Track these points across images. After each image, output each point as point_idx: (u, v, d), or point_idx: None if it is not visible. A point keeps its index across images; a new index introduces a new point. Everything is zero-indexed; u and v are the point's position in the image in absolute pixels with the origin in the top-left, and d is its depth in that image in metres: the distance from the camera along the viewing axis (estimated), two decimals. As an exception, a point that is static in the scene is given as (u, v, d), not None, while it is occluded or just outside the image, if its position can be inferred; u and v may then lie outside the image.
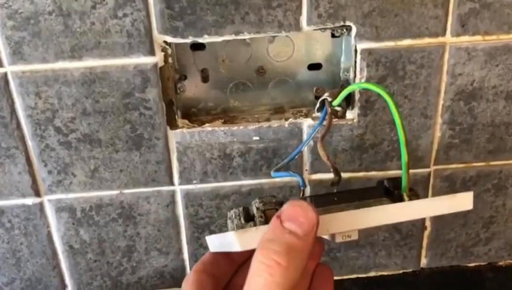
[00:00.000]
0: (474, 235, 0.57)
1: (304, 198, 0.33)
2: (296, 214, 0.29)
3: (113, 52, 0.44)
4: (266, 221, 0.32)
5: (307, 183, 0.52)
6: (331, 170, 0.38)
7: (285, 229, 0.29)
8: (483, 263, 0.59)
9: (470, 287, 0.58)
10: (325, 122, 0.42)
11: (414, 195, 0.36)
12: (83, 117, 0.47)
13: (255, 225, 0.32)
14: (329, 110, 0.42)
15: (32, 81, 0.45)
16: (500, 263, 0.59)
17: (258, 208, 0.32)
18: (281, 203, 0.33)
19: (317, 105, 0.44)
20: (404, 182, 0.35)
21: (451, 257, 0.58)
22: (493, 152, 0.52)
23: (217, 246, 0.36)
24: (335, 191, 0.36)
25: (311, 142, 0.50)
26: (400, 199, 0.35)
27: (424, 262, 0.58)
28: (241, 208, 0.34)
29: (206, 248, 0.52)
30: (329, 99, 0.43)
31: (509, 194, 0.54)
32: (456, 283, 0.58)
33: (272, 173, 0.46)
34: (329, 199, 0.33)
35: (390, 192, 0.36)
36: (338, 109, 0.43)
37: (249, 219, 0.33)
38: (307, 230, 0.29)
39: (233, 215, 0.34)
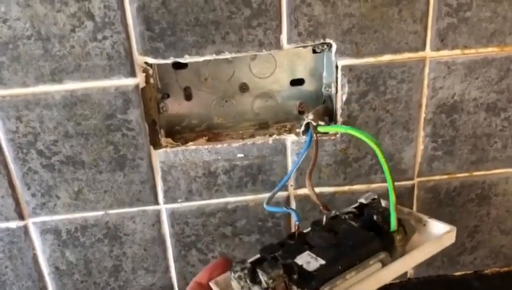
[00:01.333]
0: (460, 245, 0.57)
1: (311, 274, 0.33)
2: None
3: (94, 75, 0.44)
4: None
5: (291, 200, 0.52)
6: (321, 207, 0.39)
7: None
8: (469, 272, 0.59)
9: (457, 296, 0.58)
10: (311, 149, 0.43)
11: (403, 232, 0.37)
12: (65, 140, 0.46)
13: None
14: (315, 137, 0.42)
15: (12, 106, 0.44)
16: (486, 271, 0.59)
17: (267, 284, 0.33)
18: (288, 269, 0.33)
19: (302, 128, 0.45)
20: (392, 223, 0.37)
21: (437, 266, 0.58)
22: (476, 163, 0.52)
23: None
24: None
25: (295, 158, 0.50)
26: (391, 239, 0.37)
27: (410, 272, 0.58)
28: (245, 270, 0.34)
29: (193, 265, 0.53)
30: (314, 123, 0.43)
31: (493, 203, 0.55)
32: (443, 292, 0.58)
33: (265, 206, 0.46)
34: (334, 269, 0.34)
35: (380, 227, 0.37)
36: (322, 131, 0.44)
37: (254, 280, 0.34)
38: None
39: (239, 277, 0.34)
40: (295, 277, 0.33)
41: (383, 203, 0.42)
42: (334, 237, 0.37)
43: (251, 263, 0.35)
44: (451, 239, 0.38)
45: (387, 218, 0.37)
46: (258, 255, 0.36)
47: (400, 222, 0.38)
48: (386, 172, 0.36)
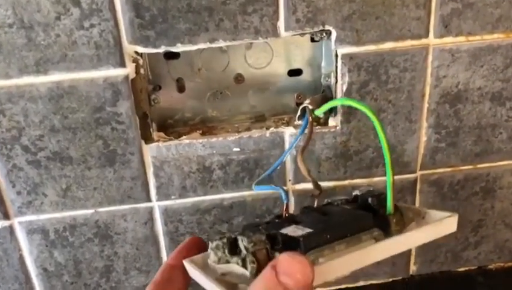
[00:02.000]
0: (464, 240, 0.55)
1: (296, 240, 0.31)
2: (293, 270, 0.27)
3: (81, 65, 0.42)
4: (258, 266, 0.30)
5: (290, 195, 0.50)
6: (312, 184, 0.37)
7: (280, 283, 0.27)
8: (473, 267, 0.57)
9: (461, 292, 0.56)
10: (306, 131, 0.41)
11: (399, 216, 0.35)
12: (51, 134, 0.44)
13: (243, 263, 0.30)
14: (310, 119, 0.40)
15: (-5, 98, 0.42)
16: (490, 267, 0.58)
17: (247, 249, 0.30)
18: (271, 239, 0.31)
19: (298, 113, 0.43)
20: (389, 204, 0.34)
21: (440, 262, 0.56)
22: (480, 155, 0.51)
23: (194, 275, 0.33)
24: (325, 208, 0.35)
25: (294, 152, 0.48)
26: (386, 222, 0.34)
27: (413, 269, 0.56)
28: (225, 239, 0.31)
29: (188, 265, 0.50)
30: (310, 107, 0.41)
31: (498, 196, 0.53)
32: (447, 289, 0.56)
33: (254, 186, 0.44)
34: (322, 237, 0.31)
35: (375, 210, 0.35)
36: (320, 116, 0.42)
37: (233, 251, 0.31)
38: (302, 288, 0.27)
39: (217, 246, 0.31)
40: (279, 246, 0.31)
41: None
42: (323, 217, 0.35)
43: (233, 235, 0.32)
44: (452, 226, 0.35)
45: (383, 202, 0.35)
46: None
47: (397, 207, 0.36)
48: (383, 145, 0.34)
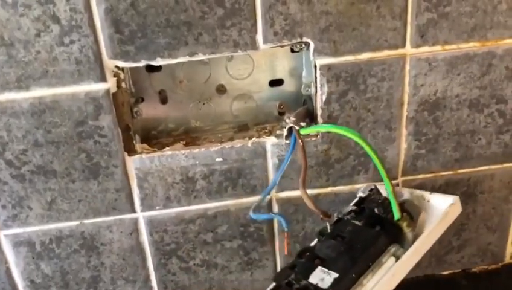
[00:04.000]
0: (447, 244, 0.56)
1: (331, 287, 0.33)
2: None
3: (62, 81, 0.42)
4: None
5: (274, 203, 0.51)
6: (321, 214, 0.38)
7: None
8: (457, 271, 0.58)
9: (446, 296, 0.57)
10: (295, 154, 0.42)
11: (408, 218, 0.36)
12: (35, 148, 0.45)
13: None
14: (300, 143, 0.41)
15: (-23, 115, 0.43)
16: (474, 270, 0.58)
17: None
18: None
19: (285, 133, 0.44)
20: (395, 211, 0.36)
21: (425, 266, 0.57)
22: (460, 160, 0.51)
23: None
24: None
25: (276, 161, 0.49)
26: (398, 229, 0.36)
27: (398, 273, 0.57)
28: None
29: (174, 273, 0.51)
30: (297, 128, 0.42)
31: (479, 200, 0.54)
32: (431, 292, 0.57)
33: (251, 214, 0.45)
34: (349, 279, 0.33)
35: (383, 219, 0.37)
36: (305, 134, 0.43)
37: None
38: None
39: None
40: None
41: (382, 191, 0.41)
42: (341, 243, 0.37)
43: None
44: (457, 210, 0.38)
45: (389, 208, 0.37)
46: (273, 285, 0.35)
47: (402, 207, 0.37)
48: (376, 163, 0.36)
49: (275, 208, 0.51)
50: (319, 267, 0.35)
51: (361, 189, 0.44)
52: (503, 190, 0.54)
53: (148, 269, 0.52)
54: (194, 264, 0.52)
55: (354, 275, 0.34)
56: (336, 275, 0.34)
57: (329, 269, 0.34)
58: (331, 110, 0.47)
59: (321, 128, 0.45)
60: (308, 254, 0.38)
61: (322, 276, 0.34)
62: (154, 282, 0.53)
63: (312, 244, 0.41)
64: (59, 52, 0.41)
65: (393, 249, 0.35)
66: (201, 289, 0.54)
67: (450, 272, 0.58)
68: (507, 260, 0.58)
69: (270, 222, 0.52)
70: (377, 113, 0.47)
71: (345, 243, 0.36)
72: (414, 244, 0.35)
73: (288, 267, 0.37)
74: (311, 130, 0.44)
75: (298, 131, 0.44)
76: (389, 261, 0.34)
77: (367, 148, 0.36)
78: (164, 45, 0.42)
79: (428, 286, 0.57)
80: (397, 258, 0.34)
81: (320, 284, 0.33)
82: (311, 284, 0.34)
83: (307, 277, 0.35)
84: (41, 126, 0.44)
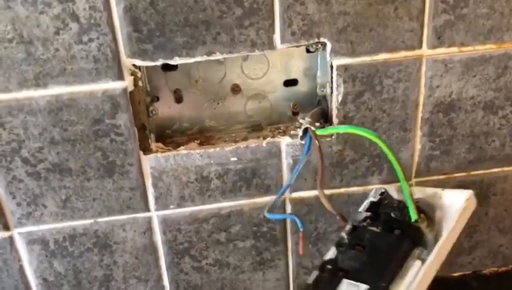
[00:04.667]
0: (458, 245, 0.56)
1: None
2: None
3: (80, 79, 0.42)
4: None
5: (287, 203, 0.51)
6: (339, 217, 0.38)
7: None
8: (468, 272, 0.58)
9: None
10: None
11: (425, 219, 0.36)
12: (51, 146, 0.44)
13: None
14: (317, 143, 0.41)
15: (-6, 112, 0.43)
16: (485, 271, 0.58)
17: None
18: None
19: (300, 133, 0.44)
20: (412, 213, 0.36)
21: (436, 267, 0.57)
22: (474, 162, 0.51)
23: None
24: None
25: (291, 161, 0.49)
26: (418, 230, 0.36)
27: (409, 274, 0.57)
28: None
29: (186, 273, 0.51)
30: (313, 128, 0.42)
31: (491, 202, 0.54)
32: (442, 294, 0.57)
33: (266, 214, 0.44)
34: (381, 288, 0.33)
35: (402, 222, 0.37)
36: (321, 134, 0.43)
37: None
38: None
39: None
40: None
41: (392, 192, 0.41)
42: (363, 252, 0.36)
43: None
44: (473, 205, 0.38)
45: (405, 210, 0.37)
46: None
47: (419, 208, 0.37)
48: (394, 163, 0.36)
49: (288, 209, 0.51)
50: (345, 280, 0.35)
51: (371, 193, 0.44)
52: (515, 192, 0.54)
53: (161, 268, 0.52)
54: (207, 264, 0.52)
55: (383, 284, 0.33)
56: (366, 286, 0.33)
57: (356, 281, 0.34)
58: (346, 110, 0.47)
59: (338, 129, 0.45)
60: (330, 267, 0.37)
61: (350, 289, 0.34)
62: (166, 281, 0.53)
63: (328, 256, 0.39)
64: (77, 50, 0.41)
65: (417, 251, 0.34)
66: (214, 288, 0.54)
67: (461, 273, 0.58)
68: (518, 262, 0.59)
69: (283, 222, 0.52)
70: (393, 114, 0.47)
71: (367, 252, 0.36)
72: (437, 244, 0.35)
73: (313, 285, 0.36)
74: (328, 131, 0.44)
75: (314, 132, 0.43)
76: (415, 265, 0.34)
77: (385, 149, 0.36)
78: (182, 43, 0.42)
79: (439, 288, 0.57)
80: (422, 260, 0.34)
81: None
82: None
83: None
84: (58, 124, 0.44)
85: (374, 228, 0.38)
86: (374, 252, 0.35)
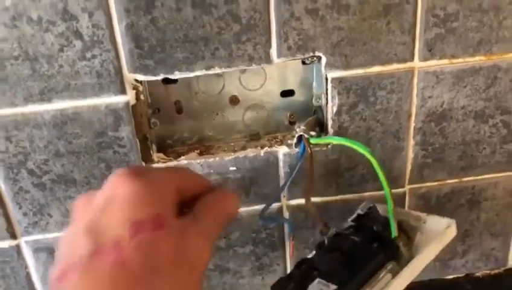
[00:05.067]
0: (451, 249, 0.58)
1: None
2: None
3: (84, 93, 0.44)
4: None
5: (284, 210, 0.52)
6: (320, 225, 0.40)
7: None
8: (461, 275, 0.60)
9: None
10: (301, 158, 0.43)
11: (405, 237, 0.38)
12: (56, 158, 0.46)
13: None
14: (309, 151, 0.43)
15: (1, 126, 0.44)
16: (478, 274, 0.60)
17: None
18: None
19: (295, 140, 0.45)
20: (393, 230, 0.38)
21: (429, 271, 0.59)
22: (465, 169, 0.53)
23: None
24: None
25: (288, 169, 0.50)
26: (395, 246, 0.38)
27: (404, 277, 0.59)
28: None
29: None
30: (306, 136, 0.43)
31: (483, 208, 0.56)
32: (436, 296, 0.59)
33: (260, 220, 0.46)
34: None
35: (381, 236, 0.38)
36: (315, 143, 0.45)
37: None
38: None
39: None
40: None
41: (380, 209, 0.42)
42: (339, 257, 0.38)
43: None
44: (452, 233, 0.39)
45: (387, 226, 0.38)
46: None
47: (400, 226, 0.38)
48: (382, 180, 0.37)
49: (286, 215, 0.53)
50: (318, 279, 0.36)
51: (360, 206, 0.45)
52: (506, 197, 0.55)
53: (163, 274, 0.53)
54: (207, 269, 0.54)
55: (352, 287, 0.35)
56: (335, 287, 0.35)
57: (327, 282, 0.36)
58: (341, 121, 0.48)
59: (332, 139, 0.47)
60: (306, 265, 0.39)
61: (320, 288, 0.35)
62: (168, 286, 0.54)
63: (309, 256, 0.41)
64: (81, 66, 0.43)
65: (390, 266, 0.36)
66: (214, 293, 0.55)
67: (454, 276, 0.60)
68: (510, 264, 0.60)
69: (281, 228, 0.53)
70: (386, 124, 0.49)
71: (343, 258, 0.37)
72: (410, 263, 0.37)
73: (286, 278, 0.38)
74: (322, 140, 0.46)
75: (308, 139, 0.45)
76: (385, 278, 0.36)
77: (375, 164, 0.37)
78: (182, 59, 0.44)
79: (433, 290, 0.59)
80: (393, 274, 0.36)
81: None
82: None
83: (305, 288, 0.36)
84: (63, 137, 0.45)
85: (355, 237, 0.39)
86: (349, 259, 0.37)
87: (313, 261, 0.39)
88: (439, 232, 0.38)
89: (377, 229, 0.39)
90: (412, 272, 0.37)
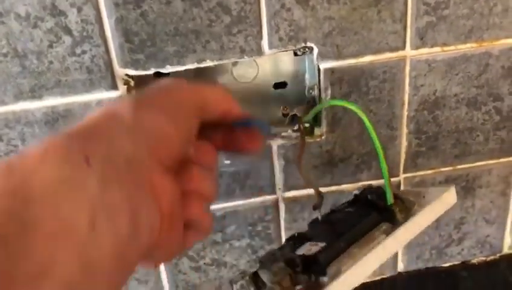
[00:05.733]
0: (447, 237, 0.58)
1: (314, 257, 0.32)
2: None
3: (75, 90, 0.43)
4: None
5: (280, 202, 0.52)
6: (315, 192, 0.38)
7: None
8: (457, 263, 0.60)
9: (446, 287, 0.59)
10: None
11: (401, 204, 0.37)
12: (48, 156, 0.46)
13: None
14: (301, 127, 0.42)
15: (-8, 125, 0.44)
16: (473, 261, 0.60)
17: (271, 281, 0.31)
18: (290, 264, 0.32)
19: (287, 121, 0.45)
20: (388, 196, 0.36)
21: (426, 259, 0.59)
22: (459, 157, 0.53)
23: None
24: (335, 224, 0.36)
25: (283, 161, 0.50)
26: (391, 213, 0.36)
27: (400, 266, 0.59)
28: (247, 277, 0.33)
29: (185, 273, 0.53)
30: (299, 114, 0.43)
31: (477, 195, 0.56)
32: (433, 284, 0.59)
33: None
34: (337, 247, 0.33)
35: (377, 205, 0.37)
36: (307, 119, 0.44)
37: (259, 287, 0.32)
38: None
39: (242, 286, 0.33)
40: (298, 268, 0.32)
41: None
42: (332, 225, 0.36)
43: (252, 274, 0.34)
44: (452, 198, 0.37)
45: (383, 195, 0.37)
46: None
47: (397, 195, 0.37)
48: (374, 140, 0.36)
49: (282, 207, 0.53)
50: (307, 243, 0.35)
51: (358, 189, 0.45)
52: (500, 184, 0.56)
53: (160, 269, 0.53)
54: (204, 263, 0.54)
55: (342, 244, 0.33)
56: (324, 244, 0.33)
57: (317, 242, 0.34)
58: (334, 111, 0.48)
59: (320, 106, 0.46)
60: (298, 237, 0.37)
61: (309, 248, 0.34)
62: (165, 282, 0.54)
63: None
64: (71, 62, 0.42)
65: (384, 226, 0.34)
66: (212, 286, 0.55)
67: (450, 264, 0.60)
68: (505, 251, 0.60)
69: (277, 221, 0.53)
70: (379, 114, 0.49)
71: (337, 226, 0.36)
72: (405, 224, 0.34)
73: (277, 248, 0.37)
74: (312, 112, 0.44)
75: (299, 117, 0.44)
76: (379, 237, 0.34)
77: (366, 122, 0.36)
78: (173, 52, 0.44)
79: (429, 278, 0.59)
80: (388, 234, 0.34)
81: (307, 253, 0.33)
82: (298, 256, 0.33)
83: (294, 251, 0.34)
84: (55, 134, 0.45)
85: (349, 209, 0.38)
86: (342, 225, 0.35)
87: (305, 233, 0.38)
88: (437, 196, 0.37)
89: (372, 198, 0.37)
90: (406, 233, 0.34)
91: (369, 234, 0.34)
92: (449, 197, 0.37)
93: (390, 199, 0.36)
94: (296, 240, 0.37)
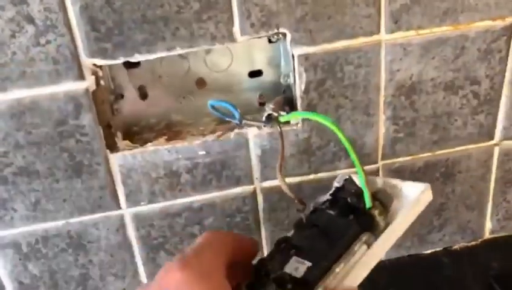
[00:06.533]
0: (428, 223, 0.58)
1: (303, 280, 0.34)
2: None
3: (41, 81, 0.42)
4: None
5: (258, 192, 0.51)
6: (296, 201, 0.39)
7: None
8: (439, 249, 0.60)
9: (429, 274, 0.59)
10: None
11: (380, 206, 0.37)
12: (16, 150, 0.44)
13: None
14: (279, 129, 0.42)
15: (-45, 119, 0.42)
16: (455, 247, 0.60)
17: None
18: (281, 283, 0.34)
19: (264, 119, 0.44)
20: (367, 200, 0.37)
21: (408, 246, 0.59)
22: (438, 142, 0.53)
23: None
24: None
25: (259, 151, 0.49)
26: (370, 217, 0.37)
27: (382, 254, 0.59)
28: None
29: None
30: (275, 114, 0.42)
31: (458, 180, 0.55)
32: (415, 271, 0.59)
33: (209, 103, 0.44)
34: (322, 268, 0.34)
35: (356, 207, 0.37)
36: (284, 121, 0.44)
37: None
38: None
39: None
40: (289, 287, 0.33)
41: (356, 180, 0.42)
42: (316, 233, 0.37)
43: (246, 286, 0.35)
44: (428, 197, 0.38)
45: (362, 197, 0.37)
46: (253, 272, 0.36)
47: (375, 196, 0.38)
48: (349, 151, 0.36)
49: (260, 198, 0.52)
50: (294, 257, 0.36)
51: (336, 179, 0.44)
52: (479, 169, 0.55)
53: (137, 264, 0.52)
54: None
55: (326, 263, 0.34)
56: (309, 264, 0.35)
57: (303, 259, 0.35)
58: (310, 98, 0.47)
59: (299, 115, 0.46)
60: (284, 244, 0.39)
61: (296, 266, 0.35)
62: (143, 276, 0.53)
63: (289, 234, 0.41)
64: (35, 53, 0.41)
65: (364, 237, 0.35)
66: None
67: (432, 250, 0.60)
68: (486, 235, 0.60)
69: (255, 212, 0.52)
70: (355, 100, 0.48)
71: (320, 233, 0.37)
72: (384, 232, 0.36)
73: (267, 258, 0.38)
74: (290, 117, 0.44)
75: (276, 118, 0.44)
76: (361, 249, 0.35)
77: (340, 135, 0.36)
78: (141, 41, 0.42)
79: (411, 265, 0.59)
80: (369, 245, 0.35)
81: (295, 274, 0.34)
82: (287, 274, 0.35)
83: (283, 267, 0.36)
84: (22, 127, 0.44)
85: (331, 211, 0.39)
86: (325, 234, 0.37)
87: (292, 239, 0.39)
88: (414, 197, 0.37)
89: (351, 201, 0.38)
90: (387, 241, 0.36)
91: (351, 248, 0.35)
92: (426, 196, 0.38)
93: (369, 204, 0.37)
94: (284, 249, 0.38)
